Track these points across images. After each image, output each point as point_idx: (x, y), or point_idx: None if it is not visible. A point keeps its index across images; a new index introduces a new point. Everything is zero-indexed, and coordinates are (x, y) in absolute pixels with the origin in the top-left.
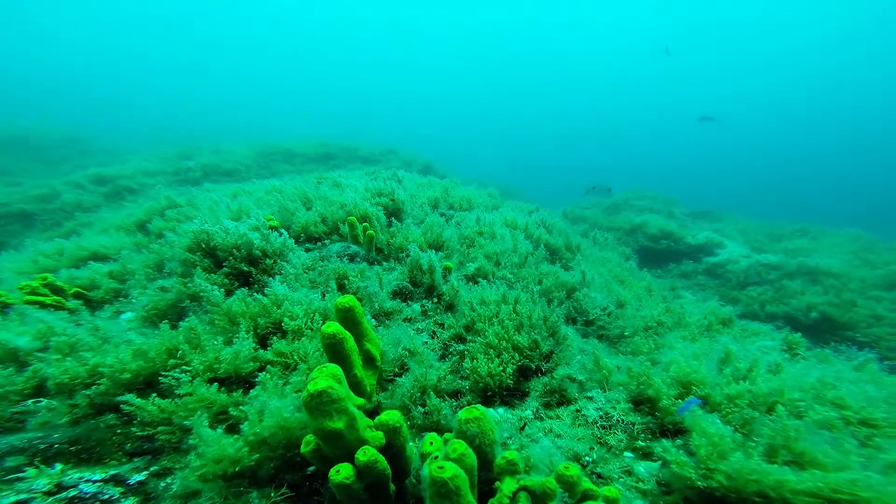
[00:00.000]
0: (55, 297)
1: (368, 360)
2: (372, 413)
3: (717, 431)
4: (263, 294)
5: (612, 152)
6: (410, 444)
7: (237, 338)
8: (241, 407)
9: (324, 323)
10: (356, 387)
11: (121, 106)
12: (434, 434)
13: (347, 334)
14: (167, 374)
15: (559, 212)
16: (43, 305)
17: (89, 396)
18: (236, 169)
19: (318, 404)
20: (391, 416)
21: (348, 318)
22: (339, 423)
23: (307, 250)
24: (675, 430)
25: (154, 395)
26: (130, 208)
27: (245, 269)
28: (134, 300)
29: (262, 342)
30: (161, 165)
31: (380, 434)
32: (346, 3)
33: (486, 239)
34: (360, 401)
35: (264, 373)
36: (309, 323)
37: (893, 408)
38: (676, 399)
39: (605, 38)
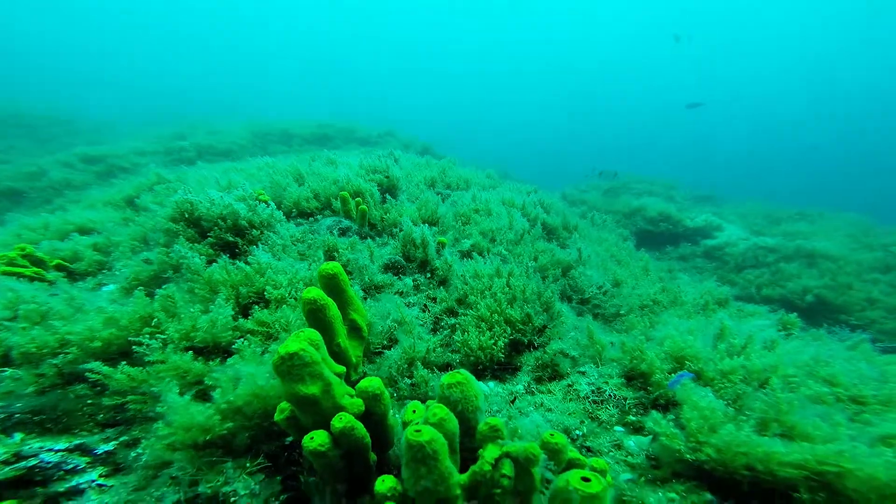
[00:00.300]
0: (35, 269)
1: (354, 329)
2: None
3: (709, 405)
4: (247, 263)
5: (614, 138)
6: (395, 415)
7: (215, 306)
8: (214, 374)
9: None
10: (339, 356)
11: (115, 86)
12: (417, 402)
13: (330, 301)
14: (138, 339)
15: (558, 194)
16: (21, 276)
17: (57, 366)
18: (231, 149)
19: (290, 367)
20: (371, 383)
21: (332, 286)
22: (312, 389)
23: (298, 225)
24: (667, 405)
25: (123, 363)
26: (120, 185)
27: (231, 239)
28: (118, 272)
29: (244, 311)
30: (154, 145)
31: (359, 401)
32: None
33: (482, 216)
34: (340, 368)
35: (242, 340)
36: (293, 292)
37: (884, 385)
38: (669, 373)
39: (608, 20)
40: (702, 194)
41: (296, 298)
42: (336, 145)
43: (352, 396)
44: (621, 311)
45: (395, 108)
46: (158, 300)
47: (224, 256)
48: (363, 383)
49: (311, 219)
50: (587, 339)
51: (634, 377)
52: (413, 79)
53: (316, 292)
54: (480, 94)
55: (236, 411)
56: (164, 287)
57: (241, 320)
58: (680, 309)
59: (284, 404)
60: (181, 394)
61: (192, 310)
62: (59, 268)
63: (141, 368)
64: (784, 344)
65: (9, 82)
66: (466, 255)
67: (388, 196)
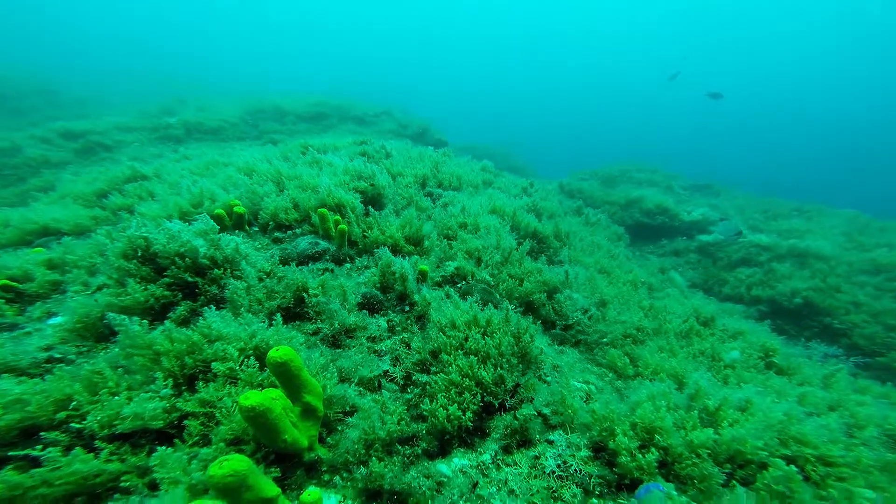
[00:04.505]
0: None
1: (308, 411)
2: (311, 467)
3: None
4: (195, 325)
5: (621, 118)
6: None
7: (155, 385)
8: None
9: (260, 364)
10: (288, 448)
11: (104, 51)
12: None
13: (271, 404)
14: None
15: (555, 184)
16: None
17: None
18: (221, 127)
19: None
20: None
21: (283, 373)
22: None
23: (276, 240)
24: (633, 485)
25: (7, 469)
26: (96, 172)
27: (190, 279)
28: (70, 298)
29: (191, 382)
30: (140, 121)
31: None
32: None
33: (468, 233)
34: (273, 491)
35: (162, 448)
36: (244, 366)
37: (852, 445)
38: (638, 451)
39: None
40: (700, 183)
41: (244, 370)
42: (331, 124)
43: None
44: (604, 340)
45: (398, 82)
46: (83, 378)
47: (169, 322)
48: None
49: (289, 232)
50: (559, 399)
51: (603, 449)
52: (418, 50)
53: (255, 398)
54: (488, 65)
55: None
56: (92, 361)
57: (184, 397)
58: (663, 339)
59: None
60: None
61: (115, 398)
62: (6, 288)
63: (27, 475)
64: (759, 401)
65: None
66: (449, 280)
67: (371, 208)
